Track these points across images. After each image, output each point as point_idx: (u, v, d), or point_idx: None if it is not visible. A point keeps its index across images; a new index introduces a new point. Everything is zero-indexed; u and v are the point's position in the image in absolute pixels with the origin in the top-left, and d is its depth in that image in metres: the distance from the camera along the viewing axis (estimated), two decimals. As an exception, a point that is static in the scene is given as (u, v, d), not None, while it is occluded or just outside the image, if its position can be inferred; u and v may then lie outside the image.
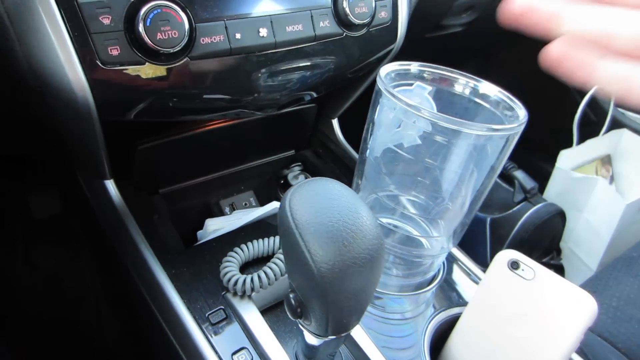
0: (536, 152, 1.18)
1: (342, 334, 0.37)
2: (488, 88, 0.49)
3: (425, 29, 0.92)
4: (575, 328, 0.44)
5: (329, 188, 0.33)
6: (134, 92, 0.46)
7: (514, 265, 0.48)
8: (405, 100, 0.44)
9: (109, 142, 0.55)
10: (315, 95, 0.62)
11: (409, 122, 0.48)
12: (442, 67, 0.51)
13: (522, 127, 0.45)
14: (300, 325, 0.39)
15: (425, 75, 0.51)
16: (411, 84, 0.52)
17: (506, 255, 0.49)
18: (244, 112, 0.59)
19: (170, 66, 0.45)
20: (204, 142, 0.67)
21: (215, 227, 0.63)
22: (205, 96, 0.52)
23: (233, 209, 0.73)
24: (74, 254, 1.01)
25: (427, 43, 1.04)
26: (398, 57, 0.62)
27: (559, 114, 1.18)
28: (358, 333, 0.50)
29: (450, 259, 0.63)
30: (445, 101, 0.51)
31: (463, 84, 0.50)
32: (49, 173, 0.97)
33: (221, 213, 0.72)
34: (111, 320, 0.97)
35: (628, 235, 0.97)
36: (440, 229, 0.55)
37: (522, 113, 0.46)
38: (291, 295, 0.36)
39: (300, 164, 0.76)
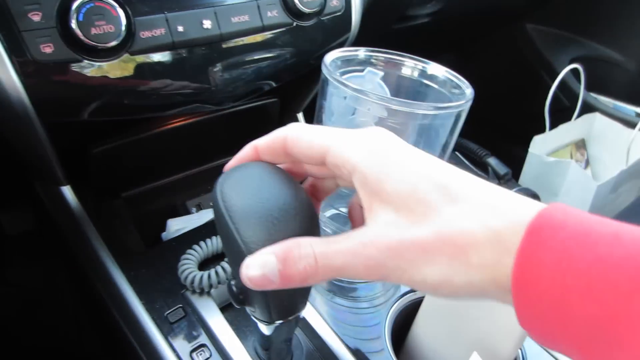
0: (511, 139, 1.18)
1: (290, 318, 0.36)
2: (436, 69, 0.49)
3: (391, 20, 0.92)
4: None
5: (260, 170, 0.32)
6: (73, 90, 0.45)
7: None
8: (353, 87, 0.44)
9: (61, 147, 0.54)
10: (274, 84, 0.61)
11: (363, 110, 0.47)
12: (389, 51, 0.50)
13: (469, 103, 0.45)
14: (249, 314, 0.38)
15: (373, 60, 0.51)
16: (362, 70, 0.52)
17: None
18: (201, 107, 0.58)
19: (109, 62, 0.45)
20: (165, 142, 0.67)
21: (177, 227, 0.62)
22: (152, 93, 0.51)
23: (200, 209, 0.72)
24: (51, 270, 0.99)
25: (398, 35, 1.03)
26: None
27: (532, 100, 1.19)
28: (320, 324, 0.50)
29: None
30: (396, 85, 0.51)
31: (411, 66, 0.50)
32: (18, 186, 0.96)
33: (188, 214, 0.71)
34: (90, 332, 0.96)
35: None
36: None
37: (468, 91, 0.46)
38: (232, 282, 0.35)
39: (265, 160, 0.75)
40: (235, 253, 0.31)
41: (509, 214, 0.24)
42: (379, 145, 0.28)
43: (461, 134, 1.15)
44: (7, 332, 0.95)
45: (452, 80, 0.48)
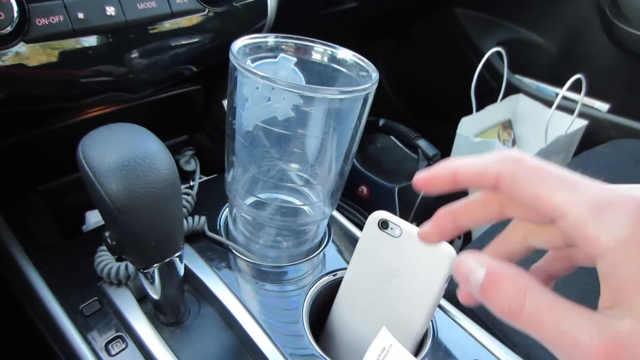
0: (441, 121, 1.22)
1: (165, 260, 0.39)
2: (344, 53, 0.50)
3: (316, 5, 0.92)
4: (437, 278, 0.46)
5: (122, 129, 0.35)
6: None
7: (384, 224, 0.49)
8: (263, 75, 0.44)
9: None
10: (194, 69, 0.60)
11: (278, 98, 0.48)
12: (299, 36, 0.51)
13: (374, 86, 0.46)
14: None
15: (283, 46, 0.51)
16: (274, 57, 0.52)
17: (376, 215, 0.50)
18: (118, 95, 0.57)
19: (3, 51, 0.43)
20: (82, 134, 0.65)
21: (96, 219, 0.61)
22: (61, 82, 0.50)
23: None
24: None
25: (327, 21, 1.04)
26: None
27: (461, 83, 1.22)
28: (238, 310, 0.50)
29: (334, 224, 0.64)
30: (307, 70, 0.52)
31: (321, 51, 0.51)
32: None
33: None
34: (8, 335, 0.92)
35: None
36: (318, 194, 0.56)
37: (374, 74, 0.47)
38: (107, 234, 0.38)
39: (191, 148, 0.74)
40: (101, 205, 0.34)
41: None
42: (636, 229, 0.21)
43: (393, 117, 1.18)
44: None
45: (359, 64, 0.49)
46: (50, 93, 0.51)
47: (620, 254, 0.21)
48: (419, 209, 0.96)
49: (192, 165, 0.72)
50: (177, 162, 0.74)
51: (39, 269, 0.51)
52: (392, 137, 1.17)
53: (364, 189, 1.10)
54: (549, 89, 1.17)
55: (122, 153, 0.33)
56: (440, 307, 0.55)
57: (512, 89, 1.20)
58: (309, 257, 0.58)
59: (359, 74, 0.49)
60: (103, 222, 0.60)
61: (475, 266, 0.23)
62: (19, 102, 0.50)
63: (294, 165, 0.57)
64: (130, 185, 0.33)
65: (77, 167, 0.68)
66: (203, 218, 0.57)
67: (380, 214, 0.49)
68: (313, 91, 0.44)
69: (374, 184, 1.07)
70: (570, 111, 1.05)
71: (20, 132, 0.57)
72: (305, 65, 0.52)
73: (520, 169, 0.24)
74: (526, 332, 0.22)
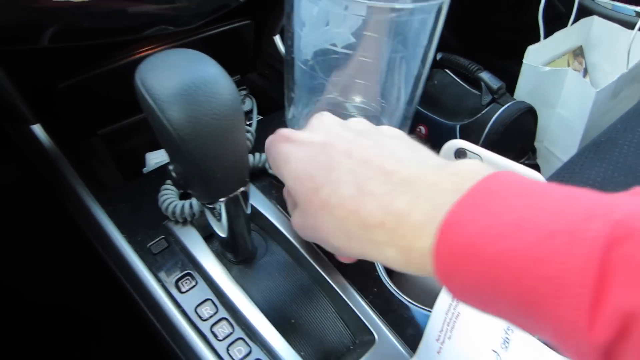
0: (504, 53, 1.13)
1: (230, 195, 0.38)
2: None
3: None
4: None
5: (179, 53, 0.32)
6: (27, 13, 0.41)
7: (461, 153, 0.45)
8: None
9: (25, 82, 0.51)
10: (241, 0, 0.57)
11: (338, 16, 0.44)
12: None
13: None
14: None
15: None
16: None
17: (452, 144, 0.46)
18: (166, 28, 0.54)
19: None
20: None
21: (156, 160, 0.60)
22: (112, 14, 0.48)
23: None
24: (41, 216, 0.98)
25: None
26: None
27: (524, 10, 1.12)
28: (309, 248, 0.48)
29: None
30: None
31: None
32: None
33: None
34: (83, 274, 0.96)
35: (602, 125, 0.94)
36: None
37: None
38: (171, 167, 0.36)
39: (245, 87, 0.72)
40: (163, 134, 0.32)
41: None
42: None
43: (450, 50, 1.10)
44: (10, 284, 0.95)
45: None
46: (99, 25, 0.49)
47: None
48: (485, 146, 0.90)
49: (248, 104, 0.69)
50: (232, 101, 0.72)
51: (105, 209, 0.51)
52: (450, 73, 1.09)
53: (422, 129, 1.05)
54: (627, 7, 1.05)
55: (181, 77, 0.31)
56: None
57: (583, 12, 1.09)
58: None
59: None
60: (163, 163, 0.59)
61: None
62: (72, 36, 0.48)
63: (358, 98, 0.53)
64: (193, 112, 0.30)
65: (133, 111, 0.67)
66: (264, 155, 0.55)
67: (456, 143, 0.46)
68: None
69: (433, 123, 1.02)
70: (655, 32, 0.94)
71: (78, 74, 0.56)
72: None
73: None
74: None
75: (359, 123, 0.34)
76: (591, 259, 0.19)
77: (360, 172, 0.29)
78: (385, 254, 0.28)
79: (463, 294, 0.25)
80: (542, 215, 0.22)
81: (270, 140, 0.38)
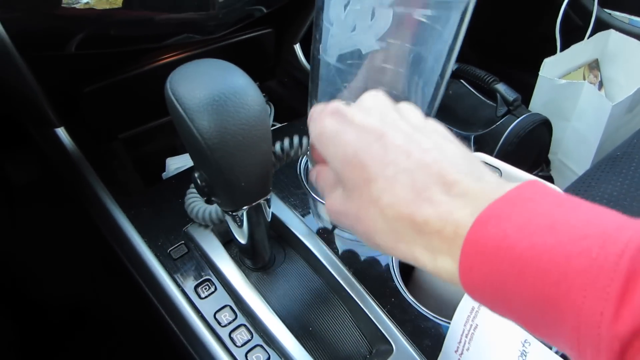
0: (520, 65, 1.13)
1: (253, 203, 0.38)
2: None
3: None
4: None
5: (209, 64, 0.33)
6: (54, 21, 0.42)
7: (480, 166, 0.46)
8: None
9: (51, 86, 0.52)
10: (265, 10, 0.58)
11: (365, 15, 0.44)
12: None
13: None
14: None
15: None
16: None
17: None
18: (192, 37, 0.55)
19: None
20: (159, 79, 0.64)
21: (176, 165, 0.61)
22: (139, 23, 0.49)
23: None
24: (58, 217, 0.99)
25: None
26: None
27: (542, 22, 1.13)
28: (325, 256, 0.49)
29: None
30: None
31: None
32: (18, 134, 0.94)
33: (186, 152, 0.70)
34: (102, 277, 0.97)
35: (616, 139, 0.94)
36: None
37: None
38: (196, 175, 0.37)
39: (264, 94, 0.72)
40: (191, 142, 0.32)
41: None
42: None
43: (466, 61, 1.10)
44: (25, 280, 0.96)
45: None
46: (125, 33, 0.50)
47: None
48: (499, 157, 0.90)
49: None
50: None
51: (126, 213, 0.51)
52: (465, 84, 1.10)
53: (435, 138, 1.05)
54: (645, 23, 1.05)
55: (211, 88, 0.31)
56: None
57: (600, 25, 1.08)
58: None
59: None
60: (184, 169, 0.60)
61: None
62: (98, 43, 0.49)
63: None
64: (222, 122, 0.31)
65: (155, 115, 0.68)
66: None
67: (477, 156, 0.46)
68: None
69: (447, 133, 1.02)
70: (672, 47, 0.94)
71: (103, 79, 0.57)
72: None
73: None
74: None
75: (412, 112, 0.33)
76: (623, 257, 0.20)
77: (419, 177, 0.28)
78: (438, 263, 0.27)
79: (479, 288, 0.24)
80: (576, 221, 0.22)
81: (317, 110, 0.34)
